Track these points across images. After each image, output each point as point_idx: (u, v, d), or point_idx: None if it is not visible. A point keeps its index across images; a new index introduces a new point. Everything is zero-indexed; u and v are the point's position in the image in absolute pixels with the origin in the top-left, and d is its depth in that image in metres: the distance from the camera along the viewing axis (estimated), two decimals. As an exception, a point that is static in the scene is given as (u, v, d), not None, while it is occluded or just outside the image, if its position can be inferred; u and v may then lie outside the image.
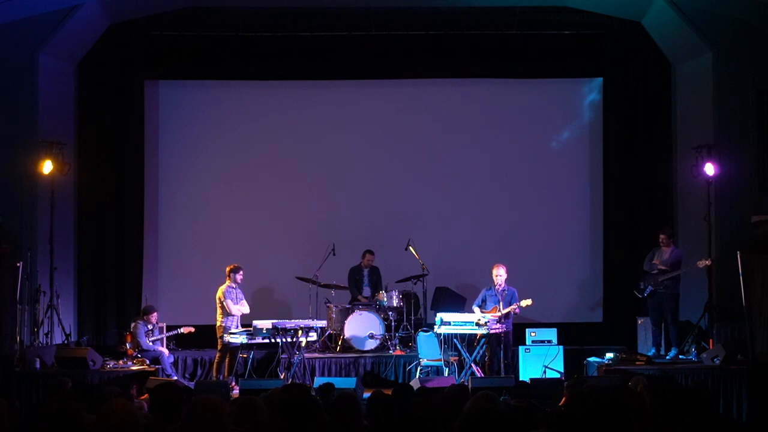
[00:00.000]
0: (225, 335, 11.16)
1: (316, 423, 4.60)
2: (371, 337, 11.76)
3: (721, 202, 11.93)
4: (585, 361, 11.35)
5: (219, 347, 11.30)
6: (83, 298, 12.78)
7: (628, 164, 13.02)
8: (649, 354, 11.20)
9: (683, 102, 12.88)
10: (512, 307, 11.10)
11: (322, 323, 11.52)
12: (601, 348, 11.61)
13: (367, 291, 12.53)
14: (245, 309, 11.51)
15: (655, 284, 11.33)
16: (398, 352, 11.63)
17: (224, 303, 11.26)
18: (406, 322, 12.09)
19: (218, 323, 11.33)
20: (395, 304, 11.98)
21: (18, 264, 11.05)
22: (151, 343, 11.43)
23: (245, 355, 11.23)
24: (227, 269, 11.44)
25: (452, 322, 10.87)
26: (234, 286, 11.42)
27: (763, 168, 12.15)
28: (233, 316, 11.35)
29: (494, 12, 12.93)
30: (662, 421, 5.16)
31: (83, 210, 12.87)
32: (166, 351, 11.48)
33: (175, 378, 10.99)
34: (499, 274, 11.25)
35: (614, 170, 13.09)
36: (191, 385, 10.38)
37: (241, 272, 11.43)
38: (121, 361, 10.99)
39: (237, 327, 11.32)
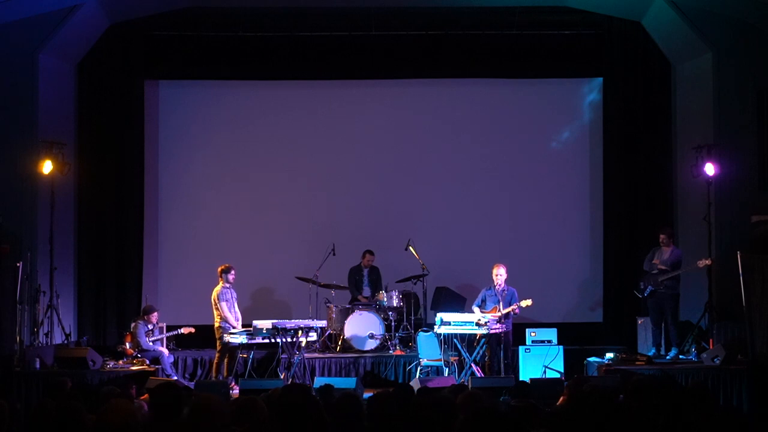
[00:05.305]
0: (225, 335, 11.16)
1: (316, 423, 4.60)
2: (371, 337, 11.77)
3: (721, 202, 11.92)
4: (585, 361, 11.35)
5: (218, 348, 11.29)
6: (83, 298, 12.78)
7: (628, 164, 13.01)
8: (649, 354, 11.19)
9: (683, 102, 12.87)
10: (512, 307, 11.10)
11: (322, 323, 11.51)
12: (601, 348, 11.62)
13: (367, 291, 12.53)
14: (238, 323, 11.34)
15: (655, 284, 11.32)
16: (398, 352, 11.63)
17: (219, 306, 11.23)
18: (406, 322, 12.09)
19: (216, 324, 11.31)
20: (395, 304, 11.98)
21: (18, 264, 11.03)
22: (151, 343, 11.43)
23: (245, 355, 11.22)
24: (219, 270, 11.38)
25: (452, 322, 10.87)
26: (228, 286, 11.39)
27: (763, 168, 12.14)
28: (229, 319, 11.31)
29: (494, 12, 12.94)
30: (662, 421, 5.16)
31: (83, 210, 12.87)
32: (166, 351, 11.48)
33: (175, 378, 10.99)
34: (499, 274, 11.25)
35: (614, 170, 13.08)
36: (191, 385, 10.39)
37: (233, 272, 11.37)
38: (121, 361, 10.99)
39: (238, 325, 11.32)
